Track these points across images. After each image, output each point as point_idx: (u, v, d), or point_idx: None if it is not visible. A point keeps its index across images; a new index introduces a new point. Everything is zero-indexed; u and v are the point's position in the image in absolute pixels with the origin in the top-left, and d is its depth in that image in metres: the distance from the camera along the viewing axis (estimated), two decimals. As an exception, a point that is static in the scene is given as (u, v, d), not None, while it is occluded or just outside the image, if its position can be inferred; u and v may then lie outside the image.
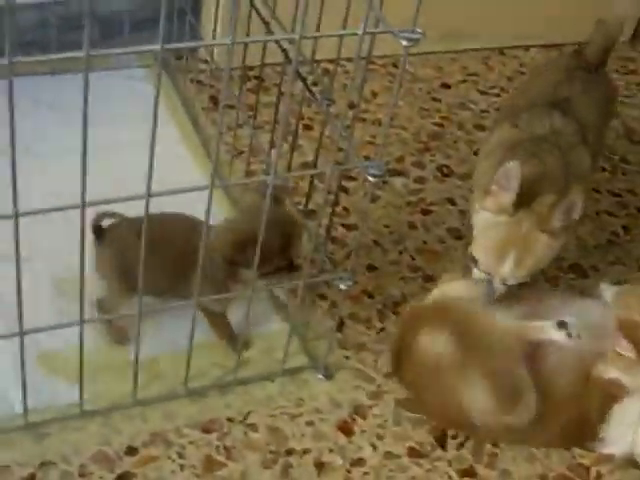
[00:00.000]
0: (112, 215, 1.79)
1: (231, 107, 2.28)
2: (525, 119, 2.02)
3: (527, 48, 3.15)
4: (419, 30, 1.37)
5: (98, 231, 1.78)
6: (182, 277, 1.74)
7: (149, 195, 1.37)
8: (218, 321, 1.89)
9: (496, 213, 1.84)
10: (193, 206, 1.65)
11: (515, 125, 2.02)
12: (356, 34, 1.39)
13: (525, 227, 1.82)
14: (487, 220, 1.86)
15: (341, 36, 1.59)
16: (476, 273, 1.89)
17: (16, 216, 1.31)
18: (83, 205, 1.34)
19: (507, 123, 2.05)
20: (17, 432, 1.71)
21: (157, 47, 1.21)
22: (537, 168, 1.88)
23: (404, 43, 1.37)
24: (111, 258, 1.80)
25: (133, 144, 2.17)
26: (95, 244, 1.78)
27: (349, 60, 1.53)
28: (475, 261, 1.88)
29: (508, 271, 1.84)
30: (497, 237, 1.84)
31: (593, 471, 1.85)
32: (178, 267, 1.77)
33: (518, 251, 1.82)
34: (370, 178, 1.53)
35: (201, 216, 1.55)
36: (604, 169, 2.69)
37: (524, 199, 1.81)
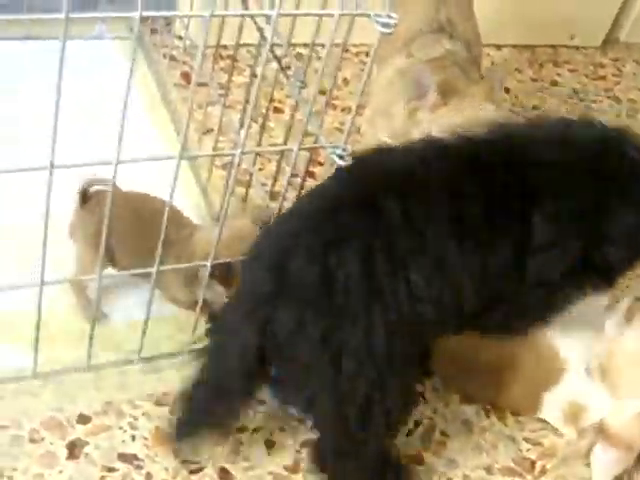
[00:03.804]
0: (104, 182, 1.78)
1: (202, 85, 2.28)
2: (417, 48, 2.11)
3: (499, 47, 3.17)
4: (394, 15, 1.38)
5: (84, 196, 1.78)
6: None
7: (118, 162, 1.37)
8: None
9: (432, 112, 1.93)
10: (157, 180, 1.65)
11: (410, 55, 2.10)
12: (332, 15, 1.41)
13: (472, 104, 1.94)
14: (435, 121, 1.94)
15: (319, 16, 1.60)
16: None
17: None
18: (51, 167, 1.35)
19: (399, 55, 2.13)
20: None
21: (135, 14, 1.21)
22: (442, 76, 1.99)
23: (379, 28, 1.38)
24: (92, 224, 1.79)
25: (103, 113, 2.19)
26: (77, 208, 1.79)
27: (324, 46, 1.54)
28: None
29: None
30: (452, 125, 1.88)
31: (538, 465, 1.88)
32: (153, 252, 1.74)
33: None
34: (337, 159, 1.54)
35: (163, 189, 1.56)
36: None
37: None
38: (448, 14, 2.17)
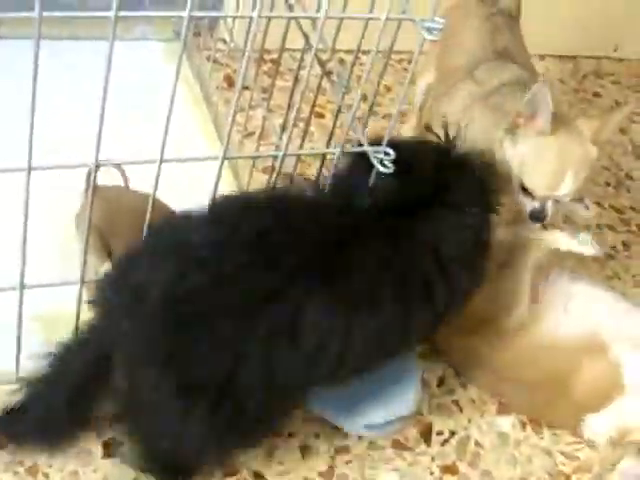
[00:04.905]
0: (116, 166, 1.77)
1: (245, 88, 2.28)
2: (483, 75, 2.08)
3: (542, 57, 3.16)
4: (440, 20, 1.38)
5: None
6: None
7: (161, 160, 1.38)
8: None
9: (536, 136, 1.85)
10: (197, 181, 1.65)
11: (477, 82, 2.08)
12: (378, 19, 1.41)
13: (578, 142, 1.85)
14: (534, 146, 1.86)
15: (365, 19, 1.59)
16: (529, 205, 1.89)
17: (29, 170, 1.32)
18: (96, 166, 1.35)
19: (468, 80, 2.09)
20: (5, 387, 1.71)
21: (184, 13, 1.22)
22: None
23: (424, 33, 1.38)
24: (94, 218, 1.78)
25: (144, 114, 2.19)
26: (83, 201, 1.77)
27: (366, 53, 1.54)
28: (528, 192, 1.88)
29: (569, 187, 1.85)
30: (552, 158, 1.85)
31: (574, 479, 1.87)
32: None
33: (575, 166, 1.84)
34: (378, 165, 1.53)
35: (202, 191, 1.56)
36: (608, 184, 2.70)
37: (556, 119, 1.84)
38: (504, 44, 2.14)
